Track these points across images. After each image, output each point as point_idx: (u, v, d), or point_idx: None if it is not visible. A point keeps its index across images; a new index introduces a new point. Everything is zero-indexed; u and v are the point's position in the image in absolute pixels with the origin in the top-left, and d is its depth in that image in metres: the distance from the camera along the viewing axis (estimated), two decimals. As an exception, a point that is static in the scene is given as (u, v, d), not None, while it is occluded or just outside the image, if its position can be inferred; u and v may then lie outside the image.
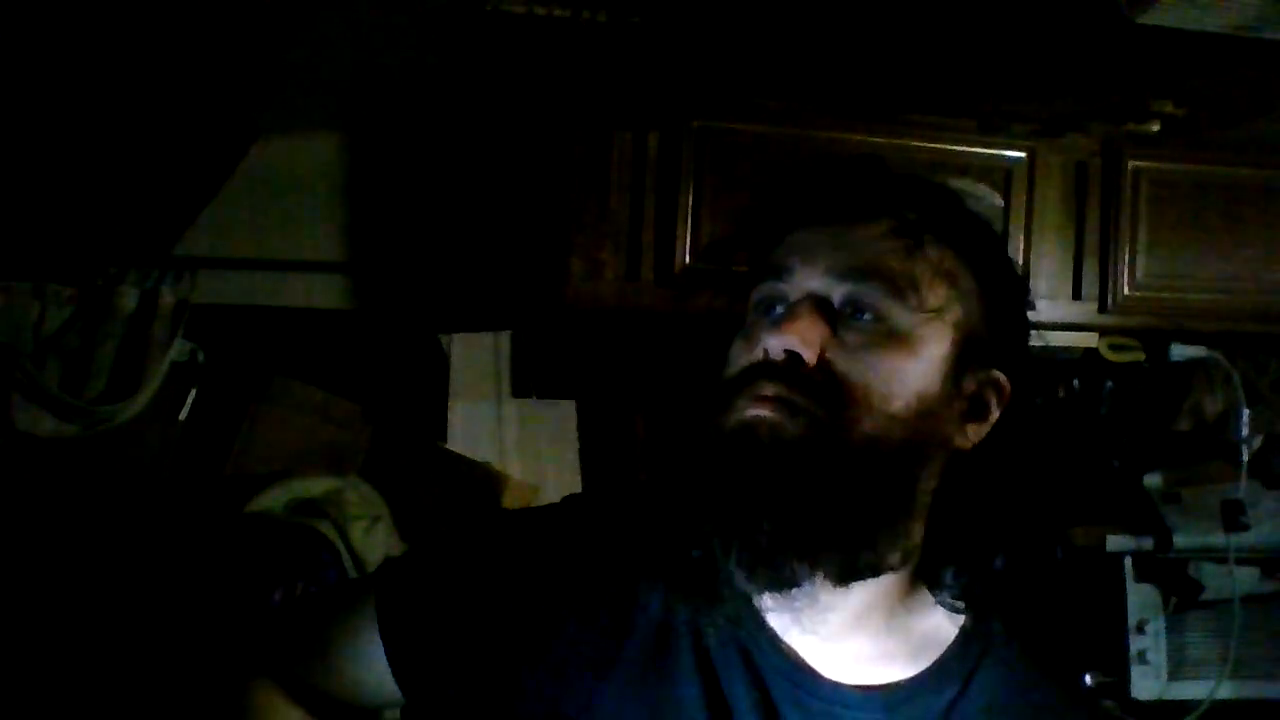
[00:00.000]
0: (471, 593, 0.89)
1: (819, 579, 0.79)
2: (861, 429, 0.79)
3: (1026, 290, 0.89)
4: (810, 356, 0.80)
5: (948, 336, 0.83)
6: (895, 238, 0.83)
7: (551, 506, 1.00)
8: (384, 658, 0.90)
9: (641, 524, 0.89)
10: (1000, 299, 0.87)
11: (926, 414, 0.81)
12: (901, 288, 0.81)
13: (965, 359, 0.83)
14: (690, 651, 0.85)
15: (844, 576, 0.80)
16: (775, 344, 0.80)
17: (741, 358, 0.84)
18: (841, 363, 0.80)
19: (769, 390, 0.79)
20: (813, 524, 0.78)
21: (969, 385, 0.84)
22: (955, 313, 0.83)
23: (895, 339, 0.81)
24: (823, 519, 0.78)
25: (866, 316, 0.81)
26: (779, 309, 0.84)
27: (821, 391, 0.79)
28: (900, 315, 0.81)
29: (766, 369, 0.80)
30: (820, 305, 0.81)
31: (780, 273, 0.84)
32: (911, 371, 0.81)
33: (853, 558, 0.79)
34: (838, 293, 0.82)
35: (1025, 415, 0.86)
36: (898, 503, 0.82)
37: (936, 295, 0.82)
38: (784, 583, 0.79)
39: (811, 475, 0.78)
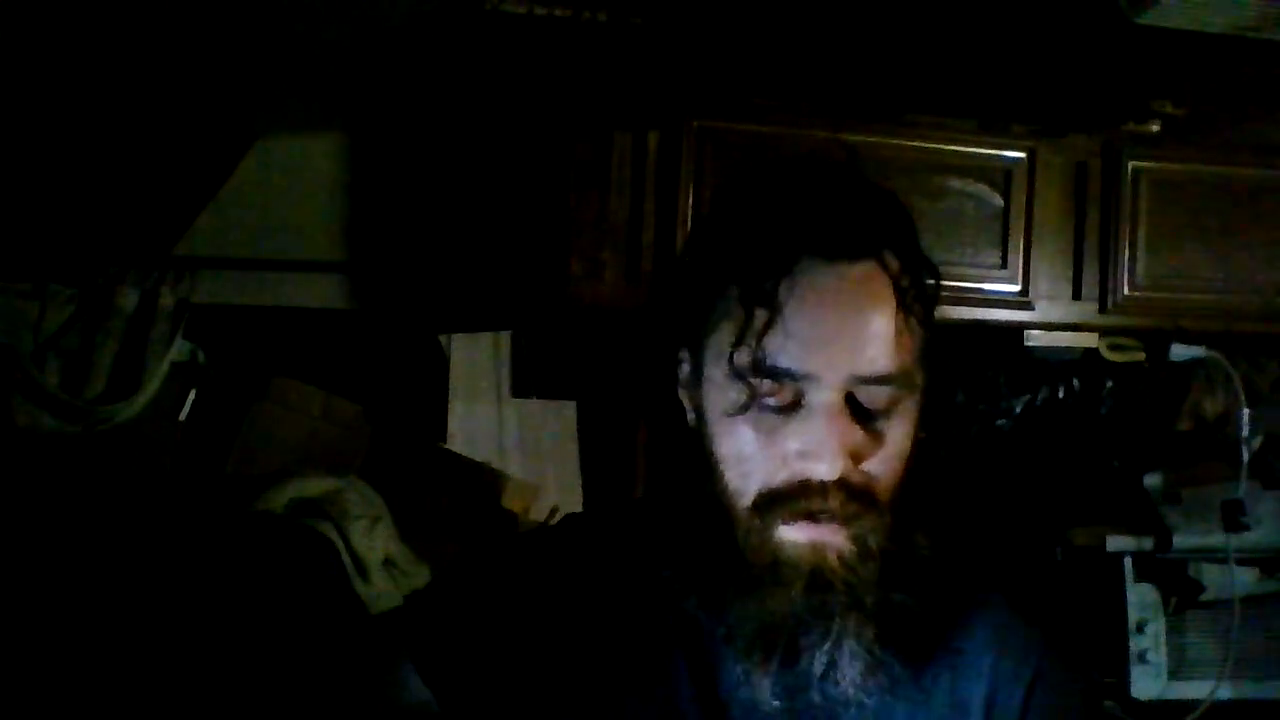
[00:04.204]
0: (502, 632, 0.90)
1: None
2: (890, 513, 0.82)
3: (939, 286, 0.88)
4: (860, 479, 0.81)
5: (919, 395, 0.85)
6: (893, 309, 0.81)
7: (552, 530, 1.05)
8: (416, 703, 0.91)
9: (638, 540, 0.91)
10: (929, 318, 0.86)
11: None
12: (915, 384, 0.83)
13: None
14: (683, 657, 0.86)
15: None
16: (824, 470, 0.79)
17: (763, 458, 0.82)
18: (875, 466, 0.82)
19: (819, 505, 0.80)
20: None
21: None
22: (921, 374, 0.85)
23: (909, 427, 0.84)
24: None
25: (891, 417, 0.82)
26: (802, 405, 0.81)
27: (864, 495, 0.81)
28: (912, 408, 0.84)
29: (813, 486, 0.80)
30: (853, 411, 0.81)
31: (798, 375, 0.80)
32: (910, 441, 0.84)
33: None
34: (864, 395, 0.81)
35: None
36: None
37: (917, 367, 0.83)
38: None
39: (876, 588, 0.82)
